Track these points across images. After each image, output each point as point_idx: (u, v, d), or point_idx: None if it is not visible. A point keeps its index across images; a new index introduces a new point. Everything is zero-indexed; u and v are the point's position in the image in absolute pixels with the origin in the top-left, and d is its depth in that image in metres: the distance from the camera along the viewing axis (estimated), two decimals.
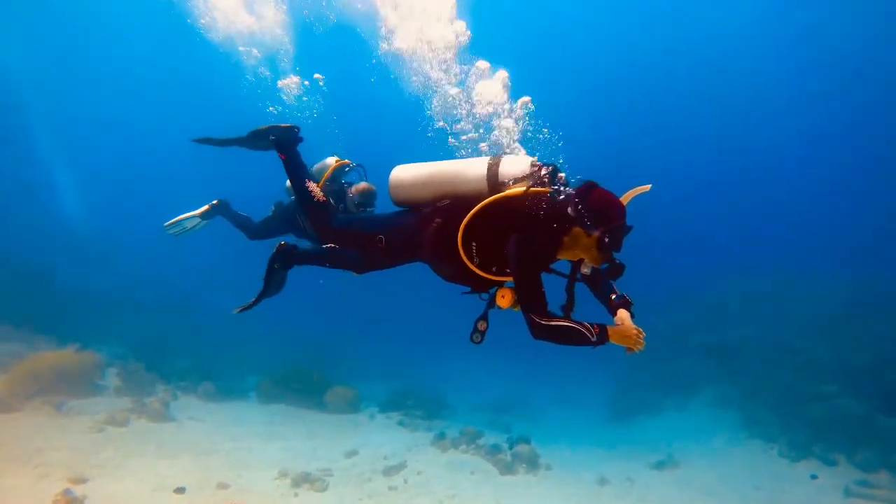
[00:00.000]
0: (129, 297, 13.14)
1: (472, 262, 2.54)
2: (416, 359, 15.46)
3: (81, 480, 4.81)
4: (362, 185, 4.07)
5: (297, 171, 3.11)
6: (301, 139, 3.19)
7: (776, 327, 11.30)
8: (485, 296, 2.76)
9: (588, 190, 2.41)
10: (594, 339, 2.33)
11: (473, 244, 2.53)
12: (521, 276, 2.43)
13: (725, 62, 23.64)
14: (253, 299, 3.20)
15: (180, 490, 5.05)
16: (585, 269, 2.61)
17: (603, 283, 2.78)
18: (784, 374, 10.14)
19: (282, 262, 3.15)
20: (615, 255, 2.41)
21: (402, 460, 7.54)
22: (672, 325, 13.14)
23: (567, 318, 2.40)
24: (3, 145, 20.87)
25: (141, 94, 24.09)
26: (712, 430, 9.94)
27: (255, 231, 4.84)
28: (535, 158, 2.66)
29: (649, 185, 2.58)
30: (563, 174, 2.61)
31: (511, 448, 8.32)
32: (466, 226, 2.50)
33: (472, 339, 2.65)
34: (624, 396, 12.42)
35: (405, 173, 2.82)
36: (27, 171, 20.85)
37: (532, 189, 2.45)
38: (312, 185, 3.05)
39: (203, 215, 4.76)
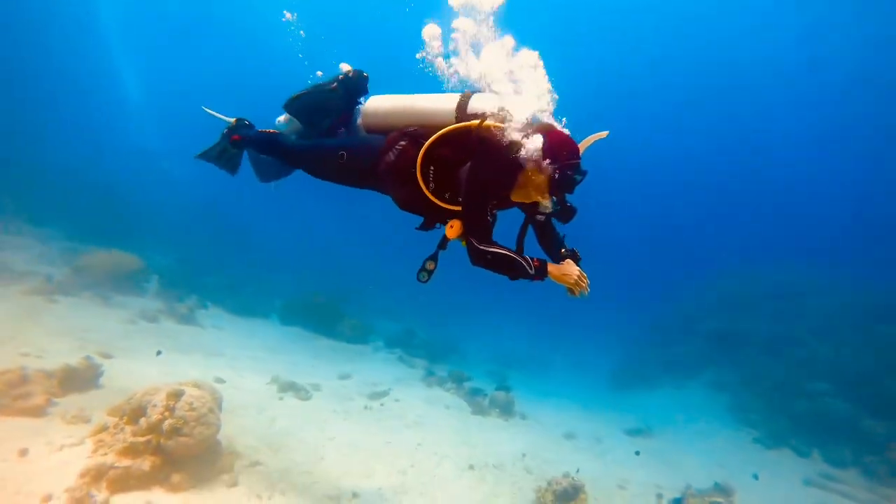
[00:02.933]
0: (182, 215, 14.54)
1: (427, 188, 2.57)
2: (437, 306, 16.23)
3: (107, 356, 5.89)
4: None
5: (258, 143, 3.25)
6: (251, 126, 3.36)
7: (786, 322, 11.10)
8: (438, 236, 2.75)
9: (545, 128, 2.45)
10: (532, 271, 2.38)
11: (431, 169, 2.56)
12: (468, 200, 2.47)
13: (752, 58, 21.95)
14: (204, 151, 3.42)
15: (158, 353, 6.32)
16: (540, 217, 2.68)
17: (553, 238, 2.84)
18: (781, 366, 10.11)
19: (238, 143, 3.27)
20: (567, 197, 2.45)
21: (387, 388, 8.36)
22: (684, 311, 13.18)
23: (506, 247, 2.43)
24: (82, 66, 22.73)
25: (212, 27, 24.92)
26: (700, 411, 10.18)
27: (265, 169, 5.39)
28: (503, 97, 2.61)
29: (606, 132, 2.62)
30: (529, 115, 2.58)
31: (491, 392, 8.99)
32: (426, 150, 2.53)
33: (418, 278, 2.65)
34: (627, 368, 12.73)
35: (381, 101, 2.87)
36: (102, 93, 22.72)
37: (489, 122, 2.46)
38: (259, 131, 3.25)
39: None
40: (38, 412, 4.10)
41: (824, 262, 15.10)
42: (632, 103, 26.49)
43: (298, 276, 14.09)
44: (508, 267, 2.40)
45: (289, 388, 7.00)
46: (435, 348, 11.87)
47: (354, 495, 4.60)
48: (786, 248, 19.20)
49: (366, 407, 7.40)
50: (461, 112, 2.60)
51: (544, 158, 2.36)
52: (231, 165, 3.41)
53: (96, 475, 3.29)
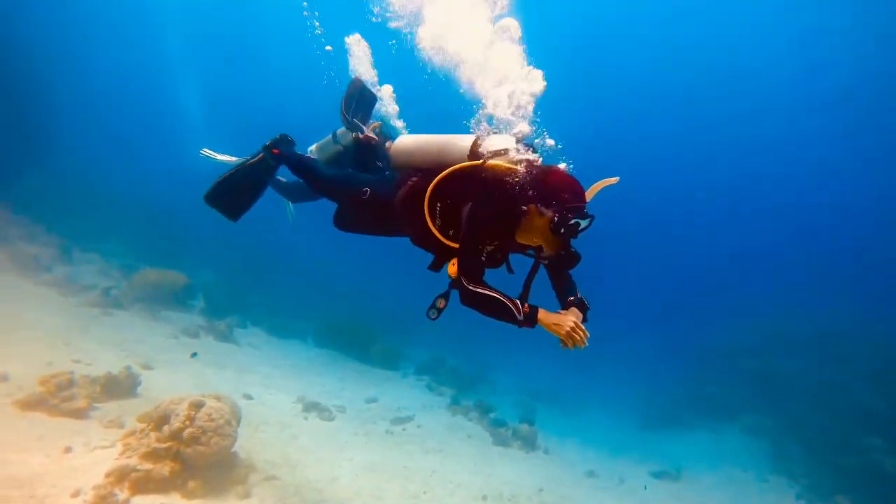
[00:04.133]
0: (230, 236, 15.38)
1: (434, 224, 2.59)
2: (468, 335, 16.25)
3: (147, 367, 6.35)
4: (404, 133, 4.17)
5: (296, 163, 3.23)
6: (293, 142, 3.36)
7: (831, 366, 10.44)
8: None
9: (549, 170, 2.43)
10: (520, 317, 2.28)
11: (438, 205, 2.58)
12: (463, 238, 2.46)
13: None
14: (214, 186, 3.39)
15: (194, 355, 6.85)
16: (544, 261, 2.58)
17: (565, 283, 2.72)
18: (827, 415, 9.49)
19: (280, 147, 3.24)
20: (571, 243, 2.39)
21: (411, 414, 8.46)
22: (722, 349, 12.64)
23: (498, 291, 2.35)
24: (147, 96, 24.74)
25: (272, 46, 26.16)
26: (736, 457, 9.67)
27: (295, 193, 5.53)
28: (520, 137, 2.67)
29: (616, 178, 2.55)
30: (538, 155, 2.60)
31: (514, 424, 8.92)
32: (435, 186, 2.56)
33: (428, 315, 2.55)
34: (659, 407, 12.26)
35: (406, 140, 2.96)
36: (164, 119, 24.54)
37: (492, 162, 2.48)
38: (304, 156, 3.27)
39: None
40: (80, 414, 4.50)
41: (881, 302, 14.12)
42: (660, 121, 26.03)
43: (335, 300, 14.51)
44: (495, 310, 2.32)
45: (313, 408, 7.25)
46: (463, 377, 11.89)
47: None
48: (836, 285, 18.05)
49: (387, 431, 7.53)
50: (475, 151, 2.62)
51: (545, 200, 2.33)
52: (251, 194, 3.34)
53: (120, 476, 3.59)
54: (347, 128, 3.50)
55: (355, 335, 12.02)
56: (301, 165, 3.24)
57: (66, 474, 3.62)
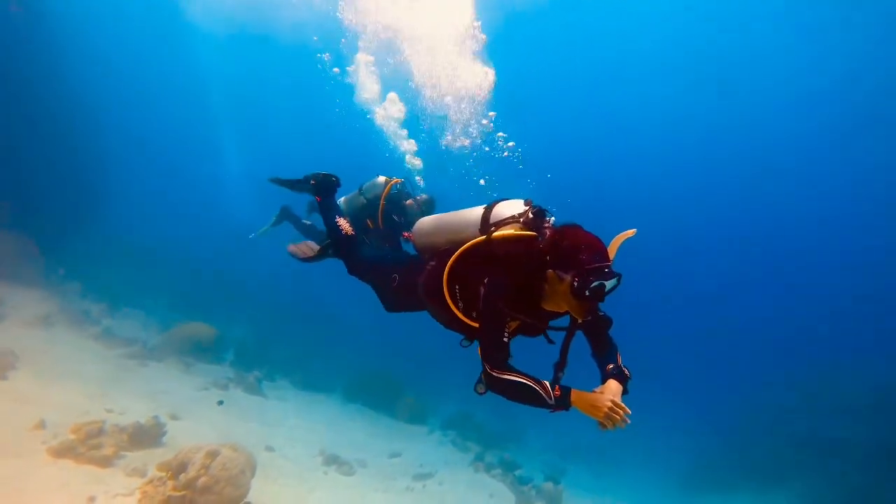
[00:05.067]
0: (259, 290, 15.96)
1: (457, 307, 2.48)
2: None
3: (175, 417, 6.58)
4: (423, 196, 4.47)
5: (328, 212, 3.35)
6: (339, 186, 3.49)
7: (887, 428, 9.66)
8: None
9: (564, 230, 2.26)
10: (551, 401, 2.12)
11: (456, 287, 2.47)
12: (481, 321, 2.32)
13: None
14: (308, 258, 3.51)
15: (220, 403, 7.25)
16: (579, 326, 2.40)
17: (604, 347, 2.51)
18: (889, 486, 8.70)
19: (335, 249, 3.33)
20: (599, 305, 2.25)
21: (432, 470, 8.32)
22: (767, 409, 11.94)
23: (525, 374, 2.19)
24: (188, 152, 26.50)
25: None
26: None
27: (321, 239, 5.85)
28: (529, 201, 2.57)
29: (633, 230, 2.43)
30: (551, 218, 2.48)
31: (539, 484, 8.60)
32: (450, 269, 2.47)
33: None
34: (700, 470, 11.56)
35: (423, 222, 2.92)
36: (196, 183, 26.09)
37: (499, 233, 2.40)
38: (342, 222, 3.28)
39: (274, 224, 5.84)
40: (105, 462, 4.71)
41: None
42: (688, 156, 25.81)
43: (364, 353, 14.63)
44: (524, 396, 2.15)
45: (334, 461, 7.26)
46: (491, 433, 11.62)
47: None
48: (889, 337, 16.88)
49: (408, 487, 7.43)
50: (485, 224, 2.52)
51: (562, 264, 2.17)
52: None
53: None
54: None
55: (383, 389, 12.04)
56: (335, 234, 3.26)
57: None
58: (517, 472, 9.09)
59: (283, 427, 8.18)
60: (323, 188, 3.41)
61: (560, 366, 2.36)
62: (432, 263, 2.67)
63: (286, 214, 5.87)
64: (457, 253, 2.46)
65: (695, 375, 19.34)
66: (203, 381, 8.65)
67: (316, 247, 3.54)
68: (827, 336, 19.46)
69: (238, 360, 10.53)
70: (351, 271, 3.21)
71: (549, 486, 8.35)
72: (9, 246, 10.39)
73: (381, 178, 4.61)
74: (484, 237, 2.42)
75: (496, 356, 2.21)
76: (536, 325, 2.41)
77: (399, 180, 4.66)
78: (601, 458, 12.68)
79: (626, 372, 2.37)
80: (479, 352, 2.30)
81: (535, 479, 9.02)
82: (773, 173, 24.27)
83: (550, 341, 2.53)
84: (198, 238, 18.72)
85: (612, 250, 2.31)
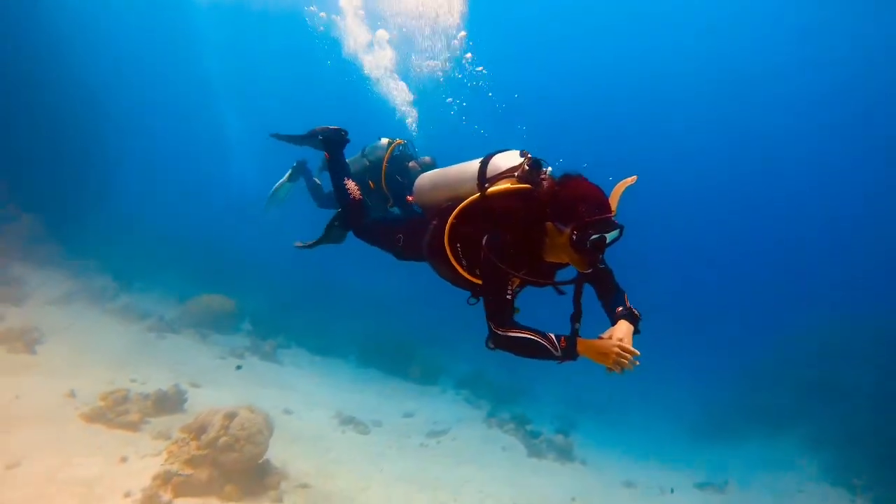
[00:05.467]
0: (272, 261, 16.22)
1: (461, 265, 2.47)
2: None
3: (195, 385, 6.88)
4: (426, 158, 4.45)
5: (338, 170, 3.29)
6: (348, 141, 3.42)
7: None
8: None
9: (563, 181, 2.20)
10: (558, 353, 2.12)
11: (458, 246, 2.46)
12: (483, 281, 2.32)
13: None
14: (313, 241, 3.44)
15: (238, 367, 7.66)
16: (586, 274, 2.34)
17: (611, 293, 2.47)
18: (892, 423, 8.87)
19: (344, 223, 3.30)
20: (601, 257, 2.19)
21: (446, 427, 8.62)
22: (778, 356, 12.06)
23: (530, 328, 2.20)
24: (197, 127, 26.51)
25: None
26: (791, 468, 9.20)
27: (325, 200, 5.32)
28: (525, 152, 2.49)
29: (634, 177, 2.36)
30: (548, 168, 2.40)
31: (550, 436, 8.90)
32: (450, 227, 2.45)
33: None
34: (710, 417, 11.81)
35: (423, 178, 2.89)
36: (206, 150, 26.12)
37: (494, 188, 2.36)
38: (351, 184, 3.22)
39: (290, 178, 5.69)
40: (133, 427, 4.99)
41: None
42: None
43: (378, 318, 14.91)
44: (531, 350, 2.16)
45: (350, 422, 7.57)
46: (503, 390, 11.91)
47: None
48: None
49: (422, 444, 7.74)
50: (481, 178, 2.46)
51: (561, 216, 2.12)
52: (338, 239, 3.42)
53: (164, 480, 3.99)
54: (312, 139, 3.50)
55: (396, 353, 12.32)
56: (343, 198, 3.23)
57: (120, 478, 4.05)
58: (529, 427, 9.37)
59: (299, 391, 8.49)
60: (332, 143, 3.35)
61: (575, 316, 2.32)
62: (434, 223, 2.64)
63: (301, 169, 5.73)
64: (455, 211, 2.44)
65: (705, 324, 19.49)
66: (220, 351, 8.97)
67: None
68: (835, 283, 19.42)
69: (254, 330, 10.84)
70: (357, 234, 3.19)
71: (559, 438, 8.62)
72: (27, 229, 10.67)
73: (384, 140, 4.61)
74: (479, 194, 2.38)
75: (500, 315, 2.21)
76: (544, 275, 2.40)
77: (402, 141, 4.68)
78: (612, 410, 12.97)
79: (636, 313, 2.32)
80: (485, 311, 2.27)
81: (547, 431, 9.30)
82: (787, 107, 23.46)
83: (560, 292, 2.49)
84: (209, 212, 18.99)
85: (614, 199, 2.26)
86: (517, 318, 2.33)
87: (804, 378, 11.14)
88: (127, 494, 3.85)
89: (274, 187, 5.85)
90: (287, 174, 5.78)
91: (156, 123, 24.27)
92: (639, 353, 2.08)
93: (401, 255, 3.00)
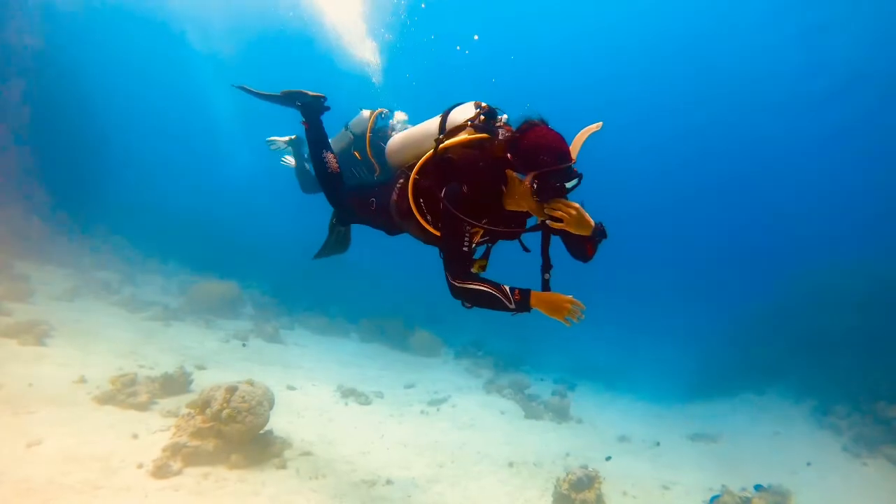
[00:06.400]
0: (273, 245, 16.49)
1: (426, 220, 2.48)
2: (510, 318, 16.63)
3: (201, 367, 7.18)
4: (399, 113, 4.50)
5: (317, 139, 3.29)
6: (327, 108, 3.40)
7: (882, 320, 10.00)
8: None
9: (525, 129, 2.19)
10: (512, 305, 2.19)
11: (421, 201, 2.47)
12: (441, 233, 2.33)
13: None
14: (320, 249, 3.62)
15: (244, 345, 8.22)
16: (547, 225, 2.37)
17: (578, 245, 2.42)
18: (878, 370, 9.16)
19: (340, 218, 3.38)
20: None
21: (447, 395, 8.94)
22: (768, 310, 12.33)
23: (486, 281, 2.25)
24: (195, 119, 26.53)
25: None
26: (780, 417, 9.55)
27: (309, 186, 5.30)
28: (479, 103, 2.50)
29: (599, 124, 2.34)
30: (504, 116, 2.42)
31: (547, 398, 9.24)
32: (413, 183, 2.45)
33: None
34: (704, 374, 12.16)
35: (394, 140, 2.87)
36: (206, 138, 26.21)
37: (450, 141, 2.34)
38: (329, 156, 3.21)
39: (288, 143, 5.57)
40: (142, 407, 5.29)
41: None
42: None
43: (379, 296, 15.23)
44: (486, 301, 2.22)
45: (351, 394, 7.87)
46: (504, 358, 12.22)
47: (388, 482, 5.25)
48: (886, 235, 16.89)
49: (422, 412, 8.05)
50: (441, 132, 2.47)
51: (522, 164, 2.13)
52: (343, 242, 3.59)
53: (174, 451, 4.28)
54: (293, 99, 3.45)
55: (397, 328, 12.64)
56: (321, 169, 3.23)
57: (133, 452, 4.35)
58: (527, 391, 9.71)
59: (302, 369, 8.81)
60: (311, 110, 3.32)
61: (544, 267, 2.37)
62: (401, 181, 2.65)
63: (297, 145, 5.84)
64: (415, 167, 2.45)
65: (697, 283, 19.77)
66: (224, 335, 9.26)
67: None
68: (822, 234, 19.55)
69: (257, 314, 11.15)
70: (338, 207, 3.25)
71: (555, 399, 8.95)
72: (32, 228, 10.92)
73: (366, 112, 4.64)
74: (434, 148, 2.39)
75: (456, 266, 2.25)
76: (505, 230, 2.41)
77: (384, 110, 4.78)
78: (610, 371, 13.36)
79: (603, 229, 2.26)
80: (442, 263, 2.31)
81: (545, 395, 9.63)
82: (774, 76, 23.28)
83: (526, 249, 2.57)
84: (207, 200, 19.22)
85: (576, 146, 2.24)
86: (487, 274, 2.43)
87: (795, 329, 11.42)
88: (140, 466, 4.14)
89: (277, 138, 5.80)
90: (288, 136, 5.77)
91: (151, 119, 24.34)
92: (584, 307, 2.21)
93: (378, 222, 3.02)
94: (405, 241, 3.34)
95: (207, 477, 4.22)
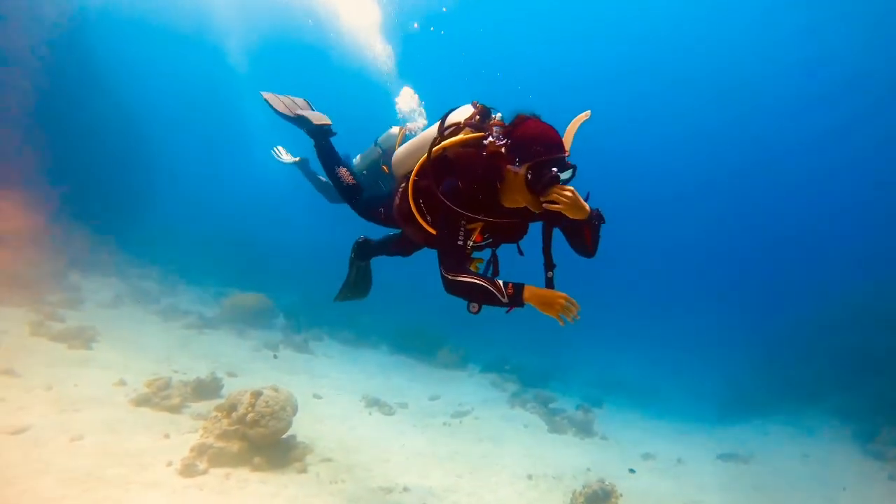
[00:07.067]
0: (307, 257, 16.95)
1: (426, 222, 2.51)
2: (539, 333, 16.47)
3: (233, 374, 7.49)
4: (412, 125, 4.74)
5: (326, 157, 3.41)
6: (333, 134, 3.50)
7: None
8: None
9: (517, 123, 2.25)
10: (505, 299, 2.18)
11: (421, 201, 2.50)
12: (437, 227, 2.39)
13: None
14: (340, 289, 3.78)
15: (275, 356, 8.48)
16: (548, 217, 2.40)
17: (579, 236, 2.41)
18: None
19: (359, 253, 3.47)
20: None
21: (471, 408, 8.98)
22: (807, 327, 11.84)
23: (480, 275, 2.26)
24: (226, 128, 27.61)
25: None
26: (819, 440, 9.14)
27: (334, 195, 5.46)
28: (475, 102, 2.57)
29: (587, 112, 2.41)
30: (498, 114, 2.48)
31: (572, 413, 9.14)
32: (412, 184, 2.50)
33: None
34: (738, 392, 11.77)
35: (399, 151, 2.95)
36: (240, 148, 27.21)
37: (446, 143, 2.39)
38: (342, 171, 3.33)
39: (294, 163, 6.06)
40: (175, 410, 5.59)
41: None
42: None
43: (408, 311, 15.39)
44: (479, 296, 2.22)
45: (375, 404, 8.03)
46: (530, 372, 12.14)
47: (405, 489, 5.35)
48: None
49: (445, 423, 8.12)
50: (440, 135, 2.51)
51: (513, 159, 2.17)
52: (364, 278, 3.78)
53: (200, 451, 4.52)
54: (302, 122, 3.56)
55: (425, 340, 12.78)
56: (338, 183, 3.34)
57: (163, 451, 4.61)
58: (552, 405, 9.64)
59: (329, 378, 9.04)
60: (317, 135, 3.46)
61: (547, 266, 2.40)
62: (402, 185, 2.69)
63: (304, 167, 6.02)
64: (415, 168, 2.50)
65: (736, 296, 19.13)
66: (255, 344, 9.61)
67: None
68: (868, 252, 18.62)
69: (287, 325, 11.49)
70: (362, 215, 3.29)
71: (579, 413, 8.86)
72: (79, 239, 11.65)
73: (395, 129, 4.86)
74: (432, 149, 2.43)
75: (450, 260, 2.27)
76: (503, 221, 2.42)
77: (411, 127, 4.98)
78: (640, 389, 13.04)
79: (601, 215, 2.29)
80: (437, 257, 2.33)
81: (569, 409, 9.54)
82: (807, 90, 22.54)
83: (521, 253, 2.61)
84: (242, 215, 20.00)
85: (569, 138, 2.30)
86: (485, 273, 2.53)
87: (835, 348, 10.95)
88: (169, 464, 4.39)
89: (285, 156, 6.14)
90: (294, 159, 6.12)
91: (185, 137, 25.52)
92: (580, 307, 2.16)
93: (395, 245, 3.19)
94: (433, 256, 3.43)
95: (230, 477, 4.43)
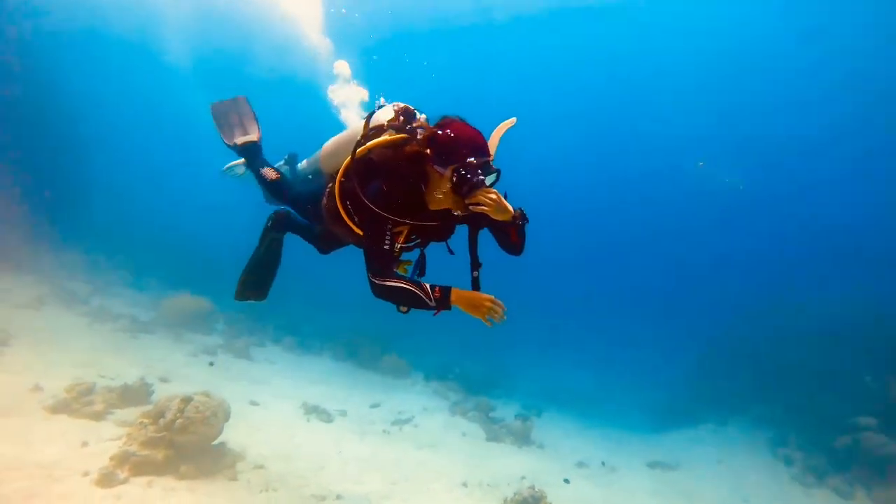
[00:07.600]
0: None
1: (353, 222, 2.49)
2: (484, 340, 16.67)
3: (165, 380, 7.19)
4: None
5: (253, 164, 3.48)
6: (259, 149, 3.57)
7: (835, 351, 10.38)
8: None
9: (442, 125, 2.25)
10: (432, 303, 2.18)
11: (348, 203, 2.48)
12: (363, 228, 2.37)
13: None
14: (244, 272, 3.66)
15: (211, 364, 8.16)
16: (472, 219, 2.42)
17: (505, 235, 2.42)
18: (827, 399, 9.50)
19: (276, 224, 3.38)
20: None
21: (411, 416, 9.01)
22: (735, 344, 12.66)
23: (407, 279, 2.25)
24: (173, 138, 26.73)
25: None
26: (738, 447, 9.76)
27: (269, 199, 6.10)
28: (398, 104, 2.57)
29: (513, 119, 2.44)
30: (422, 115, 2.49)
31: (510, 422, 9.33)
32: (339, 185, 2.47)
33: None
34: (671, 404, 12.36)
35: (325, 147, 2.90)
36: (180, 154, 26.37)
37: (369, 144, 2.38)
38: (266, 170, 3.35)
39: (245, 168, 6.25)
40: (97, 417, 5.32)
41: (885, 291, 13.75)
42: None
43: (352, 317, 15.23)
44: (406, 299, 2.22)
45: (314, 411, 7.92)
46: (473, 381, 12.27)
47: (339, 497, 5.32)
48: (844, 276, 17.51)
49: (384, 431, 8.11)
50: (365, 135, 2.50)
51: (441, 159, 2.18)
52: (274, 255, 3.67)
53: (122, 460, 4.34)
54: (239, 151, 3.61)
55: (369, 347, 12.69)
56: (262, 180, 3.35)
57: (80, 460, 4.39)
58: (491, 414, 9.81)
59: (269, 385, 8.83)
60: (246, 153, 3.55)
61: (473, 265, 2.42)
62: (329, 185, 2.66)
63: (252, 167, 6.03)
64: (340, 171, 2.48)
65: (669, 315, 20.12)
66: (193, 349, 9.27)
67: None
68: (785, 271, 20.15)
69: (228, 330, 11.15)
70: (292, 206, 3.30)
71: (517, 423, 9.06)
72: (4, 235, 10.89)
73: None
74: (356, 151, 2.42)
75: (376, 264, 2.26)
76: (431, 226, 2.44)
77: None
78: (581, 399, 13.41)
79: (525, 215, 2.30)
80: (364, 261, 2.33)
81: (509, 419, 9.73)
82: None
83: (451, 252, 2.61)
84: (185, 215, 19.25)
85: (494, 142, 2.34)
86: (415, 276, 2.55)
87: (762, 362, 11.75)
88: (85, 474, 4.18)
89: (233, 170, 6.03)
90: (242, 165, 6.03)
91: (128, 133, 24.46)
92: (506, 308, 2.18)
93: (317, 236, 3.16)
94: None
95: (153, 485, 4.27)
